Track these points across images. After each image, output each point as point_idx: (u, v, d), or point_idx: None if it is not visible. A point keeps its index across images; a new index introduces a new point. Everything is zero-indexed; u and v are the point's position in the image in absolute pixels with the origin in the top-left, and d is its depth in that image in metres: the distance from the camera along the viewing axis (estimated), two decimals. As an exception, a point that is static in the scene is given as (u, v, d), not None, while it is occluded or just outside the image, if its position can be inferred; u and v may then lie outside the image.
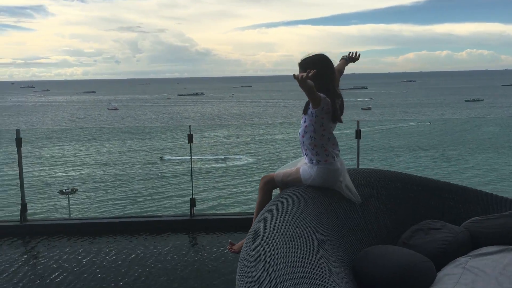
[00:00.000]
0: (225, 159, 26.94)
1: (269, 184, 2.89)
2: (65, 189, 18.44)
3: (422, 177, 3.37)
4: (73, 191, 18.89)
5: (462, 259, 2.44)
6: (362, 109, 74.26)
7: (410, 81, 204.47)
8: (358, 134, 5.71)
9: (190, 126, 5.58)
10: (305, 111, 2.78)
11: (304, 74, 2.36)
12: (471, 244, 2.69)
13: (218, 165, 26.09)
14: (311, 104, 2.68)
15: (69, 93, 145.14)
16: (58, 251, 4.64)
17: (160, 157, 25.03)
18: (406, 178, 3.31)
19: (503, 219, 2.73)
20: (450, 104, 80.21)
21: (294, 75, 2.41)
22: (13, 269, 4.25)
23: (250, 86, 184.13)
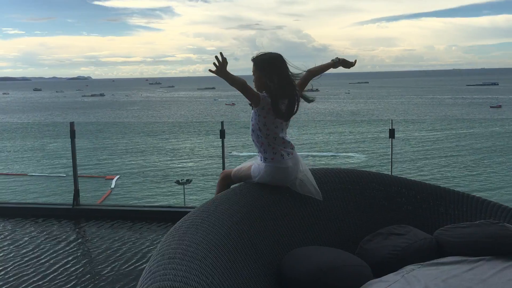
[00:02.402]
0: (336, 156, 26.45)
1: (225, 179, 3.00)
2: (181, 180, 19.62)
3: (409, 180, 3.21)
4: (188, 181, 20.05)
5: (409, 267, 2.35)
6: (491, 107, 68.05)
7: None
8: (391, 134, 5.45)
9: (222, 122, 5.60)
10: (252, 108, 2.81)
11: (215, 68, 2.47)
12: (432, 252, 2.57)
13: (332, 162, 25.71)
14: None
15: (191, 89, 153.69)
16: (104, 233, 5.12)
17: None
18: (387, 180, 3.16)
19: (471, 228, 2.58)
20: None
21: (209, 70, 2.50)
22: (65, 247, 4.76)
23: (367, 82, 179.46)
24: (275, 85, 2.72)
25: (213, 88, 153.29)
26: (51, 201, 6.56)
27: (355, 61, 3.08)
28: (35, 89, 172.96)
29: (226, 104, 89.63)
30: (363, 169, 3.31)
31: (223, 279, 1.91)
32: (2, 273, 4.16)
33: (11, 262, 4.38)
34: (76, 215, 5.69)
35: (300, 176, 2.83)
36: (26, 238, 5.01)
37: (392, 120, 5.47)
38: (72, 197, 5.85)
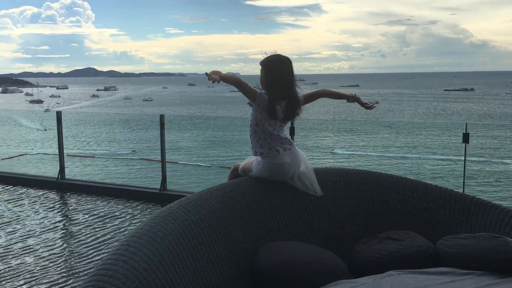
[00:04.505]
0: (487, 162, 23.85)
1: (235, 172, 3.15)
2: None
3: (428, 185, 3.06)
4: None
5: (390, 272, 2.34)
6: None
7: None
8: (465, 138, 5.17)
9: (466, 124, 5.39)
10: (251, 105, 2.92)
11: (215, 78, 2.53)
12: (428, 260, 2.51)
13: (486, 168, 23.27)
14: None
15: (334, 86, 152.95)
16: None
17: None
18: (402, 184, 3.06)
19: (468, 240, 2.48)
20: None
21: (206, 73, 2.59)
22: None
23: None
24: (274, 85, 2.83)
25: (357, 85, 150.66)
26: (143, 185, 7.43)
27: (373, 104, 3.11)
28: (190, 84, 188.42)
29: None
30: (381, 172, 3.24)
31: (174, 259, 2.11)
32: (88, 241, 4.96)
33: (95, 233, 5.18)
34: (163, 199, 6.30)
35: (300, 172, 2.89)
36: (116, 213, 5.89)
37: (466, 123, 5.21)
38: (160, 182, 6.57)
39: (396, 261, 2.48)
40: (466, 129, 5.10)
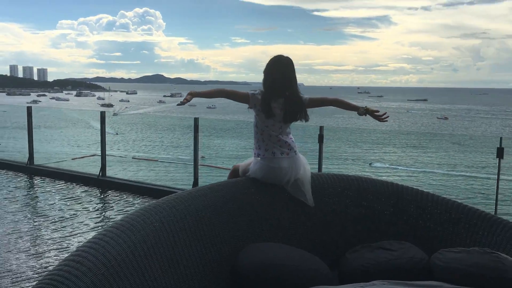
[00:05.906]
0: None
1: (234, 172, 3.10)
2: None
3: (434, 196, 2.91)
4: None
5: (374, 282, 2.22)
6: None
7: None
8: (500, 153, 4.79)
9: (501, 138, 4.97)
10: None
11: (187, 98, 2.62)
12: (420, 273, 2.41)
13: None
14: None
15: (400, 99, 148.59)
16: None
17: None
18: (409, 195, 2.91)
19: (462, 254, 2.38)
20: None
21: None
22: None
23: None
24: (269, 84, 2.81)
25: (425, 100, 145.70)
26: (174, 186, 7.43)
27: (385, 114, 2.79)
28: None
29: (437, 118, 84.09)
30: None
31: (149, 251, 2.13)
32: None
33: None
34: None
35: (297, 178, 2.81)
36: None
37: (501, 137, 4.85)
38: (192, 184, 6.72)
39: (384, 271, 2.38)
40: (500, 143, 4.76)
